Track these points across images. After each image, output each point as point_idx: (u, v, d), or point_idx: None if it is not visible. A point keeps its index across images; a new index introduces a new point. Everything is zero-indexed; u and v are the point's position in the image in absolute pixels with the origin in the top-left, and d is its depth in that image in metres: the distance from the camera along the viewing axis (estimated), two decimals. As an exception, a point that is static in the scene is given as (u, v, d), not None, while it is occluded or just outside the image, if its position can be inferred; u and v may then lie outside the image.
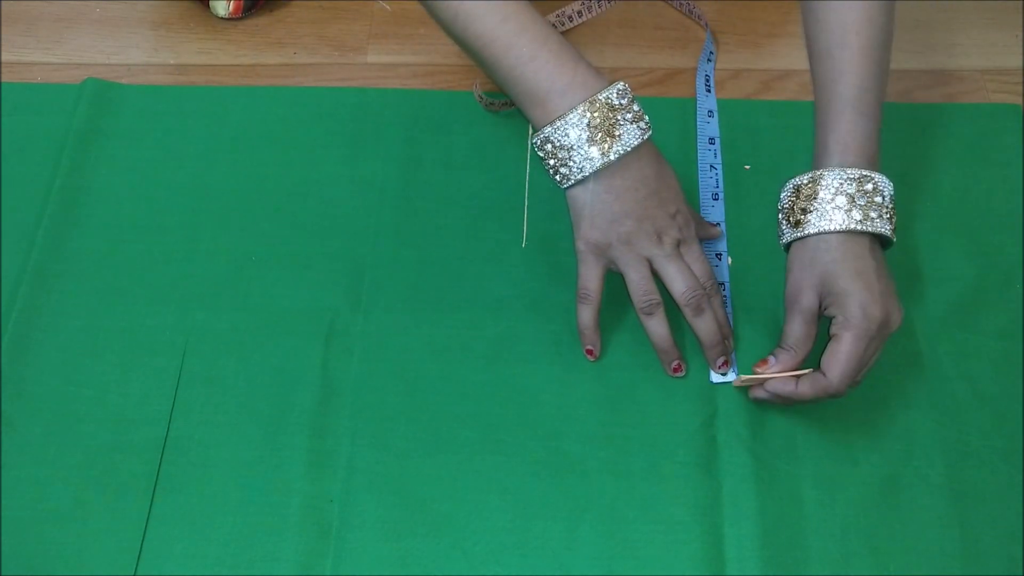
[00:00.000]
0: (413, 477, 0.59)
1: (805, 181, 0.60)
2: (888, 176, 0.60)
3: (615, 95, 0.58)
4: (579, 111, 0.57)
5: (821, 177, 0.59)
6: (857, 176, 0.58)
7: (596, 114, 0.57)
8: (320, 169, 0.72)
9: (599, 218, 0.59)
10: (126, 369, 0.63)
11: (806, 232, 0.59)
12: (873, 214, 0.58)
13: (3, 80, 0.77)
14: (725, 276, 0.66)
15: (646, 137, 0.59)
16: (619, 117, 0.57)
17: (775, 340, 0.64)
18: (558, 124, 0.57)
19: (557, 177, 0.59)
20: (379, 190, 0.71)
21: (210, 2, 0.80)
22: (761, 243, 0.68)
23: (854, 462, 0.60)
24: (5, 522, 0.58)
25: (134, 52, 0.80)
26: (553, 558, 0.57)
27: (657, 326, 0.61)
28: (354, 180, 0.71)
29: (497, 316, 0.65)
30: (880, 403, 0.62)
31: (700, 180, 0.70)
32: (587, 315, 0.62)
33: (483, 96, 0.74)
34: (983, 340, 0.64)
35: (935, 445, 0.60)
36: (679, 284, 0.60)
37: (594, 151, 0.57)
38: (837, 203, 0.58)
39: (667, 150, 0.72)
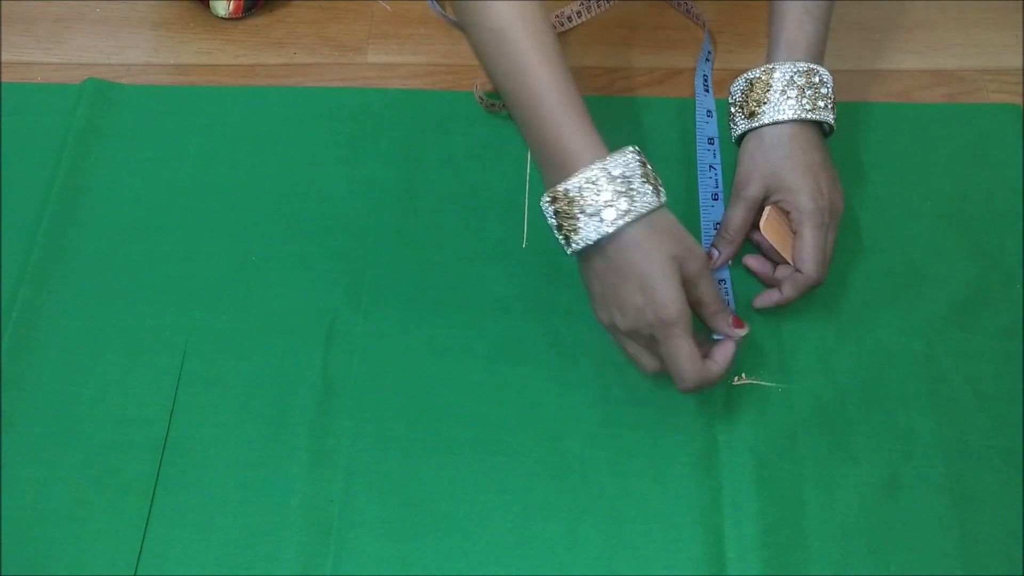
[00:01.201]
0: (413, 477, 0.59)
1: (759, 75, 0.64)
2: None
3: (629, 159, 0.56)
4: (599, 166, 0.55)
5: (773, 70, 0.64)
6: (805, 68, 0.63)
7: (617, 171, 0.56)
8: (320, 169, 0.72)
9: (608, 298, 0.57)
10: (126, 369, 0.63)
11: (761, 122, 0.63)
12: (820, 103, 0.63)
13: (3, 80, 0.77)
14: (725, 273, 0.66)
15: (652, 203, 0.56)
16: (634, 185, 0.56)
17: (776, 339, 0.64)
18: (576, 178, 0.55)
19: (574, 240, 0.57)
20: (379, 190, 0.71)
21: (210, 2, 0.80)
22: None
23: (854, 462, 0.60)
24: (5, 522, 0.58)
25: (134, 52, 0.80)
26: (554, 558, 0.57)
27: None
28: (354, 180, 0.71)
29: (497, 316, 0.65)
30: (880, 403, 0.62)
31: (700, 180, 0.70)
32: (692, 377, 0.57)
33: (483, 97, 0.74)
34: (983, 340, 0.64)
35: (935, 445, 0.60)
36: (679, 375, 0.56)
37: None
38: (788, 94, 0.63)
39: (667, 150, 0.73)
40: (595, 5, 0.79)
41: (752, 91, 0.64)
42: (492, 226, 0.69)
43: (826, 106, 0.63)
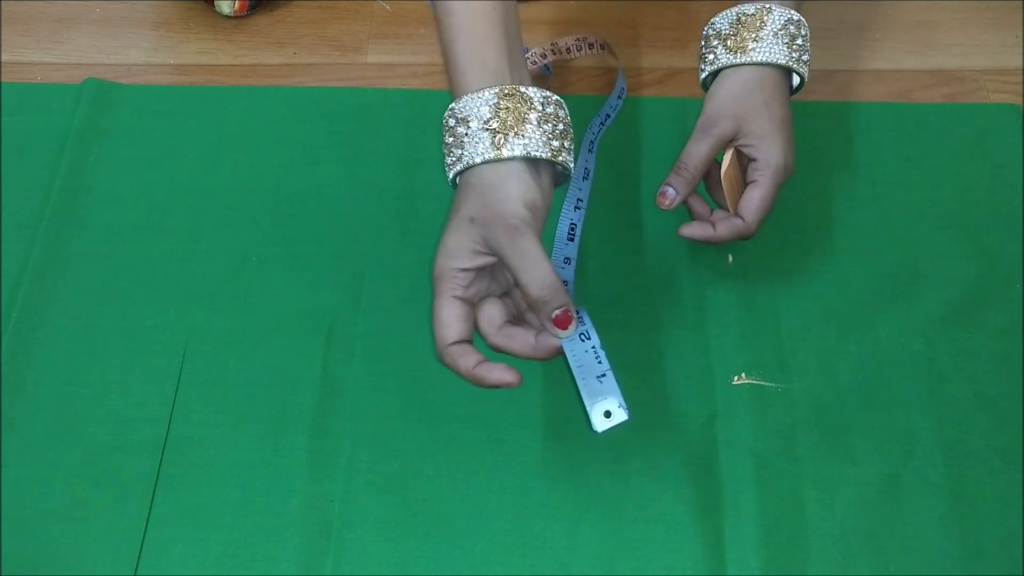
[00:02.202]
0: (413, 477, 0.59)
1: (750, 12, 0.62)
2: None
3: (540, 97, 0.52)
4: (494, 91, 0.51)
5: (770, 11, 0.61)
6: (798, 19, 0.62)
7: (509, 103, 0.51)
8: (320, 169, 0.72)
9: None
10: (126, 369, 0.63)
11: (749, 59, 0.61)
12: (804, 57, 0.62)
13: (3, 80, 0.77)
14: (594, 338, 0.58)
15: (540, 154, 0.51)
16: (531, 120, 0.51)
17: (775, 339, 0.64)
18: (466, 98, 0.51)
19: (446, 162, 0.53)
20: (379, 190, 0.71)
21: (215, 0, 0.80)
22: (760, 242, 0.68)
23: (854, 462, 0.60)
24: (5, 522, 0.58)
25: (134, 52, 0.80)
26: (554, 558, 0.57)
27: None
28: (354, 180, 0.71)
29: (497, 316, 0.65)
30: (880, 403, 0.62)
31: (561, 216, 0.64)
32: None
33: None
34: (983, 340, 0.64)
35: (935, 445, 0.60)
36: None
37: (486, 140, 0.50)
38: (780, 37, 0.61)
39: (667, 150, 0.72)
40: (562, 51, 0.77)
41: (742, 26, 0.62)
42: (492, 226, 0.69)
43: (807, 61, 0.62)
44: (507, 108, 0.51)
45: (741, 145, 0.61)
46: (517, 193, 0.50)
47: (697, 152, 0.60)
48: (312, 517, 0.58)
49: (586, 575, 0.56)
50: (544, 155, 0.51)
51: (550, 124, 0.52)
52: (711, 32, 0.63)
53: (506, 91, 0.51)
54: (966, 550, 0.57)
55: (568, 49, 0.78)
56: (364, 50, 0.80)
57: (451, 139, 0.53)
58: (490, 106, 0.51)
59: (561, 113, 0.53)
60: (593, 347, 0.51)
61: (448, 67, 0.54)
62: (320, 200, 0.70)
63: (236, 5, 0.80)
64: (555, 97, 0.53)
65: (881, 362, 0.63)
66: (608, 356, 0.51)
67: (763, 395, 0.62)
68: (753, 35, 0.61)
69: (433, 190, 0.71)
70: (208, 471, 0.60)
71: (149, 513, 0.58)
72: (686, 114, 0.74)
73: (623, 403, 0.49)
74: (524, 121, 0.51)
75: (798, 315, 0.65)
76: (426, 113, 0.75)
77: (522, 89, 0.52)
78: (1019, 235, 0.68)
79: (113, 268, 0.67)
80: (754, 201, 0.60)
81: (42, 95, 0.76)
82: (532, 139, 0.51)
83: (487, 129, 0.51)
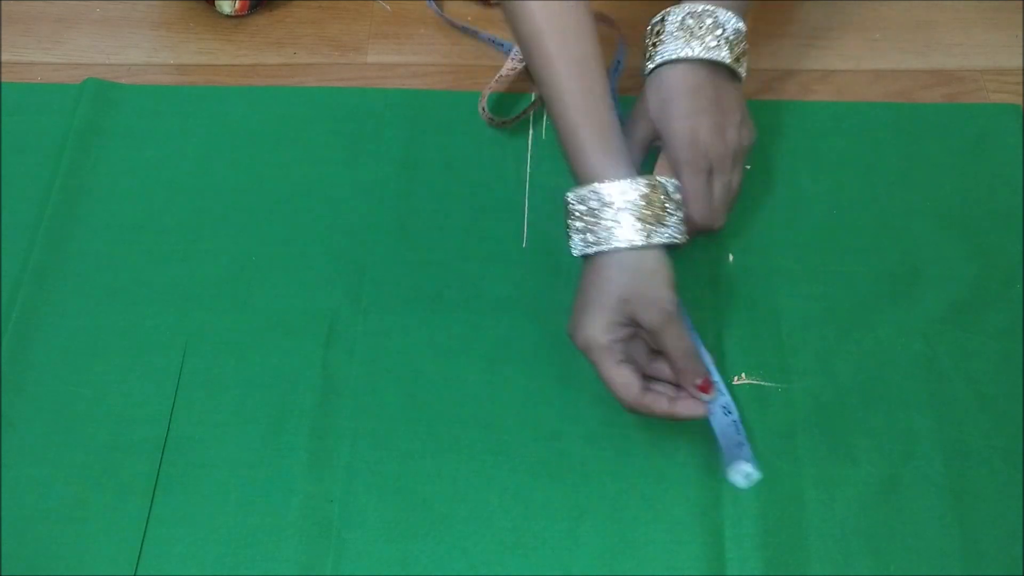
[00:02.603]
0: (414, 477, 0.59)
1: (657, 20, 0.65)
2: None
3: (672, 187, 0.58)
4: (641, 183, 0.56)
5: (668, 13, 0.65)
6: (699, 11, 0.63)
7: (653, 195, 0.57)
8: (320, 169, 0.72)
9: (603, 296, 0.57)
10: (126, 369, 0.63)
11: (654, 63, 0.64)
12: (712, 43, 0.62)
13: (3, 80, 0.77)
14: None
15: (678, 240, 0.57)
16: (669, 209, 0.57)
17: (780, 340, 0.64)
18: (613, 184, 0.56)
19: (577, 238, 0.58)
20: (379, 190, 0.71)
21: (216, 0, 0.80)
22: (761, 242, 0.68)
23: (854, 462, 0.60)
24: (5, 522, 0.58)
25: (134, 52, 0.80)
26: (554, 558, 0.57)
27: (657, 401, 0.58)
28: (354, 180, 0.71)
29: (497, 316, 0.65)
30: (880, 403, 0.62)
31: None
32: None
33: (491, 116, 0.73)
34: (983, 340, 0.64)
35: (935, 445, 0.60)
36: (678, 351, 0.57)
37: (637, 226, 0.56)
38: (677, 35, 0.63)
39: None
40: None
41: (651, 35, 0.65)
42: (492, 226, 0.69)
43: (719, 45, 0.63)
44: (652, 200, 0.56)
45: (659, 146, 0.64)
46: (667, 279, 0.56)
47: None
48: (312, 517, 0.58)
49: (586, 575, 0.56)
50: (679, 240, 0.58)
51: (679, 210, 0.58)
52: (646, 42, 0.67)
53: (652, 183, 0.57)
54: (966, 550, 0.57)
55: None
56: (364, 50, 0.80)
57: (590, 218, 0.57)
58: (640, 195, 0.56)
59: (678, 196, 0.59)
60: (735, 421, 0.59)
61: (571, 148, 0.59)
62: (320, 200, 0.70)
63: (237, 5, 0.80)
64: (674, 182, 0.59)
65: (881, 362, 0.63)
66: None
67: (763, 395, 0.62)
68: (656, 40, 0.65)
69: (433, 190, 0.71)
70: (208, 471, 0.60)
71: (149, 513, 0.58)
72: (686, 114, 0.74)
73: (755, 466, 0.58)
74: (665, 211, 0.57)
75: (798, 315, 0.65)
76: (426, 113, 0.75)
77: (660, 180, 0.57)
78: (1019, 235, 0.68)
79: (113, 268, 0.67)
80: (684, 198, 0.61)
81: (42, 95, 0.76)
82: (672, 228, 0.57)
83: (638, 218, 0.56)
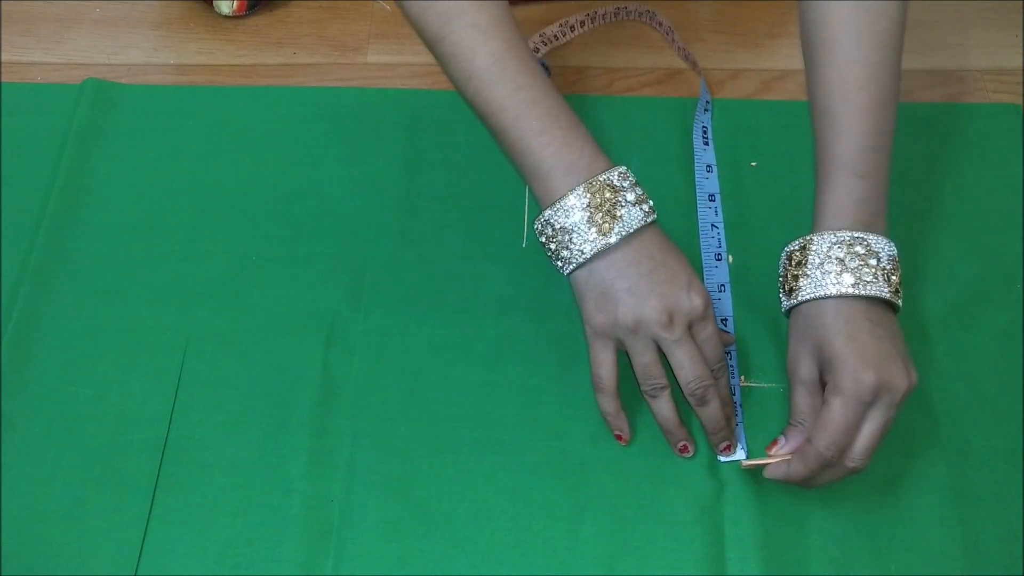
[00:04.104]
0: (414, 477, 0.59)
1: (796, 248, 0.58)
2: (892, 238, 0.58)
3: (616, 177, 0.55)
4: (579, 191, 0.55)
5: (810, 243, 0.57)
6: (848, 239, 0.56)
7: (596, 195, 0.55)
8: (320, 169, 0.72)
9: (602, 299, 0.56)
10: (126, 369, 0.63)
11: (799, 299, 0.57)
12: (867, 277, 0.55)
13: (3, 80, 0.77)
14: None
15: (649, 220, 0.56)
16: (620, 199, 0.55)
17: (776, 339, 0.64)
18: (557, 205, 0.55)
19: (559, 263, 0.56)
20: (379, 190, 0.71)
21: (214, 0, 0.80)
22: (761, 242, 0.68)
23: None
24: (5, 522, 0.58)
25: (134, 52, 0.80)
26: (554, 558, 0.57)
27: (663, 408, 0.58)
28: (354, 180, 0.71)
29: (497, 316, 0.65)
30: (880, 403, 0.62)
31: (701, 239, 0.68)
32: (607, 404, 0.59)
33: None
34: (983, 339, 0.64)
35: (935, 445, 0.60)
36: (686, 373, 0.56)
37: (593, 232, 0.54)
38: (826, 268, 0.56)
39: (667, 150, 0.73)
40: (600, 18, 0.79)
41: (790, 266, 0.58)
42: (492, 226, 0.69)
43: (876, 279, 0.55)
44: (598, 203, 0.55)
45: (825, 376, 0.56)
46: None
47: (799, 404, 0.57)
48: (312, 517, 0.58)
49: (586, 575, 0.56)
50: (647, 220, 0.56)
51: (635, 189, 0.56)
52: (778, 276, 0.60)
53: (592, 186, 0.55)
54: (966, 550, 0.57)
55: (572, 27, 0.78)
56: (364, 50, 0.80)
57: (555, 242, 0.56)
58: (584, 205, 0.55)
59: (631, 179, 0.56)
60: (735, 401, 0.61)
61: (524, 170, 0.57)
62: (320, 200, 0.70)
63: (235, 5, 0.80)
64: (621, 168, 0.56)
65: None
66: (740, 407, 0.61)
67: (763, 396, 0.62)
68: (798, 272, 0.57)
69: (433, 190, 0.71)
70: (208, 471, 0.60)
71: (149, 513, 0.58)
72: (686, 114, 0.75)
73: (744, 447, 0.60)
74: (616, 204, 0.55)
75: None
76: (426, 113, 0.75)
77: (602, 177, 0.55)
78: (1019, 235, 0.68)
79: (113, 268, 0.67)
80: (818, 422, 0.54)
81: (42, 95, 0.76)
82: (627, 219, 0.55)
83: (592, 224, 0.55)
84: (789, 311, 0.58)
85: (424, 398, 0.62)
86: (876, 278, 0.55)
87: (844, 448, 0.54)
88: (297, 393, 0.62)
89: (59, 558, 0.57)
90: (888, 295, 0.56)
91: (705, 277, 0.66)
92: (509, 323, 0.65)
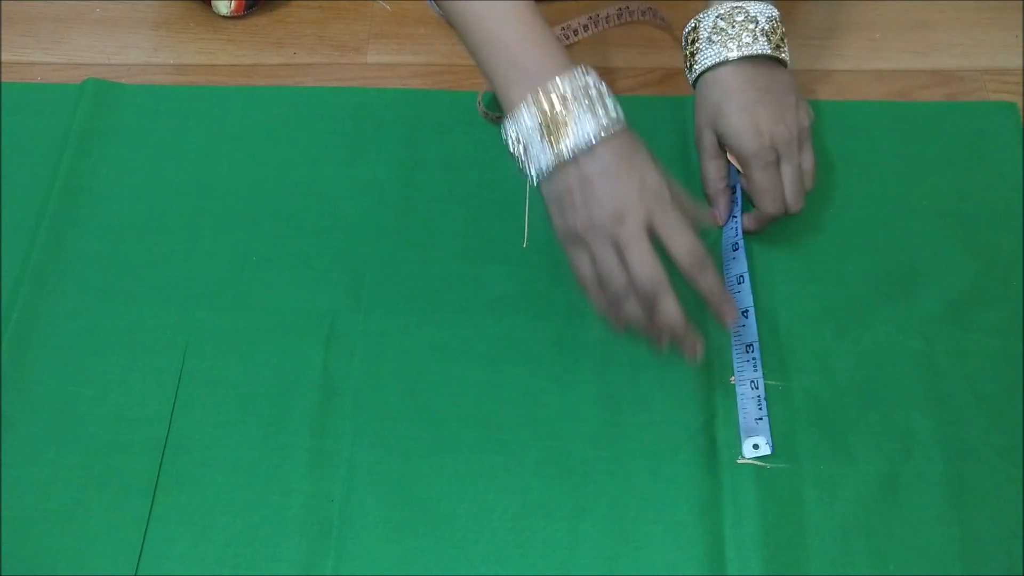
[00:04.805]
0: (414, 477, 0.59)
1: (689, 28, 0.66)
2: (773, 7, 0.65)
3: (569, 85, 0.56)
4: (529, 102, 0.56)
5: (700, 21, 0.66)
6: (728, 10, 0.64)
7: (549, 106, 0.56)
8: (320, 169, 0.72)
9: (561, 206, 0.58)
10: (126, 369, 0.63)
11: (696, 71, 0.65)
12: (748, 39, 0.63)
13: (3, 80, 0.77)
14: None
15: (606, 126, 0.56)
16: (574, 108, 0.56)
17: (778, 339, 0.64)
18: (513, 116, 0.57)
19: (525, 174, 0.59)
20: (379, 190, 0.71)
21: (212, 1, 0.80)
22: (762, 241, 0.68)
23: (853, 461, 0.60)
24: (5, 522, 0.58)
25: (134, 52, 0.80)
26: (554, 557, 0.57)
27: (635, 312, 0.58)
28: (354, 180, 0.71)
29: (497, 316, 0.65)
30: (880, 402, 0.62)
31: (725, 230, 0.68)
32: (599, 300, 0.59)
33: (486, 111, 0.74)
34: (982, 338, 0.64)
35: (934, 444, 0.60)
36: (636, 277, 0.56)
37: (547, 146, 0.56)
38: (713, 39, 0.64)
39: (666, 150, 0.73)
40: (603, 21, 0.79)
41: (687, 44, 0.67)
42: (492, 226, 0.69)
43: (756, 39, 0.63)
44: (550, 118, 0.56)
45: (724, 146, 0.66)
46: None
47: (704, 172, 0.67)
48: (312, 517, 0.58)
49: (586, 575, 0.57)
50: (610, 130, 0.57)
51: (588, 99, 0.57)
52: (682, 52, 0.68)
53: (545, 97, 0.56)
54: (965, 548, 0.57)
55: (576, 31, 0.79)
56: (364, 50, 0.80)
57: (517, 156, 0.59)
58: (533, 115, 0.56)
59: (589, 81, 0.57)
60: (759, 396, 0.61)
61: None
62: (320, 200, 0.70)
63: (233, 5, 0.80)
64: (579, 70, 0.57)
65: (879, 361, 0.63)
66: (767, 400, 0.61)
67: (764, 392, 0.62)
68: (692, 49, 0.66)
69: (433, 190, 0.71)
70: (208, 471, 0.60)
71: (149, 513, 0.58)
72: (686, 114, 0.74)
73: (770, 441, 0.60)
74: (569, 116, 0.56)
75: (796, 314, 0.65)
76: (426, 113, 0.75)
77: (560, 85, 0.56)
78: (1018, 233, 0.68)
79: (113, 268, 0.67)
80: (752, 193, 0.65)
81: (42, 95, 0.76)
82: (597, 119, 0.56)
83: (544, 138, 0.56)
84: (694, 86, 0.67)
85: (424, 398, 0.62)
86: (756, 39, 0.64)
87: (782, 199, 0.64)
88: (297, 393, 0.62)
89: (59, 558, 0.57)
90: (770, 51, 0.64)
91: (724, 268, 0.67)
92: (509, 323, 0.65)
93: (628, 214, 0.56)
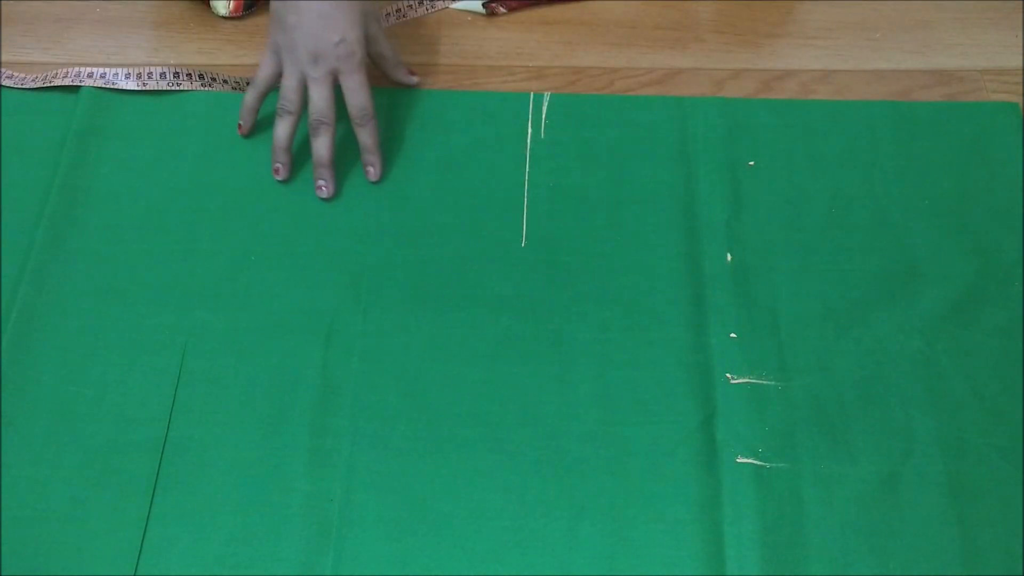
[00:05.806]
0: (413, 476, 0.59)
1: None
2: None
3: None
4: None
5: None
6: None
7: None
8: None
9: (278, 22, 0.67)
10: (126, 369, 0.63)
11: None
12: None
13: (3, 80, 0.77)
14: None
15: None
16: None
17: (774, 337, 0.64)
18: None
19: None
20: (378, 190, 0.71)
21: (211, 1, 0.80)
22: (760, 241, 0.68)
23: (853, 460, 0.60)
24: (5, 522, 0.58)
25: (134, 52, 0.80)
26: (554, 556, 0.57)
27: (279, 130, 0.69)
28: (353, 180, 0.71)
29: (497, 316, 0.65)
30: (879, 401, 0.62)
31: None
32: (250, 96, 0.70)
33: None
34: (982, 338, 0.64)
35: (935, 443, 0.60)
36: (311, 106, 0.68)
37: None
38: None
39: (667, 150, 0.73)
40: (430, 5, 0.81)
41: None
42: (492, 226, 0.69)
43: None
44: None
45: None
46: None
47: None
48: (312, 517, 0.58)
49: (586, 574, 0.56)
50: None
51: None
52: None
53: None
54: (965, 548, 0.57)
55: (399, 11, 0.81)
56: (364, 50, 0.80)
57: None
58: None
59: None
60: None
61: None
62: (320, 200, 0.70)
63: (231, 5, 0.80)
64: None
65: (880, 360, 0.63)
66: None
67: (762, 393, 0.62)
68: None
69: (433, 190, 0.71)
70: (208, 471, 0.60)
71: (149, 513, 0.58)
72: (686, 114, 0.74)
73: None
74: None
75: (797, 313, 0.65)
76: (426, 113, 0.75)
77: None
78: (1018, 233, 0.68)
79: (113, 268, 0.67)
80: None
81: (42, 96, 0.76)
82: None
83: None
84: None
85: (424, 398, 0.62)
86: None
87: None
88: (296, 393, 0.62)
89: (59, 558, 0.57)
90: None
91: None
92: (509, 323, 0.65)
93: (320, 62, 0.66)
